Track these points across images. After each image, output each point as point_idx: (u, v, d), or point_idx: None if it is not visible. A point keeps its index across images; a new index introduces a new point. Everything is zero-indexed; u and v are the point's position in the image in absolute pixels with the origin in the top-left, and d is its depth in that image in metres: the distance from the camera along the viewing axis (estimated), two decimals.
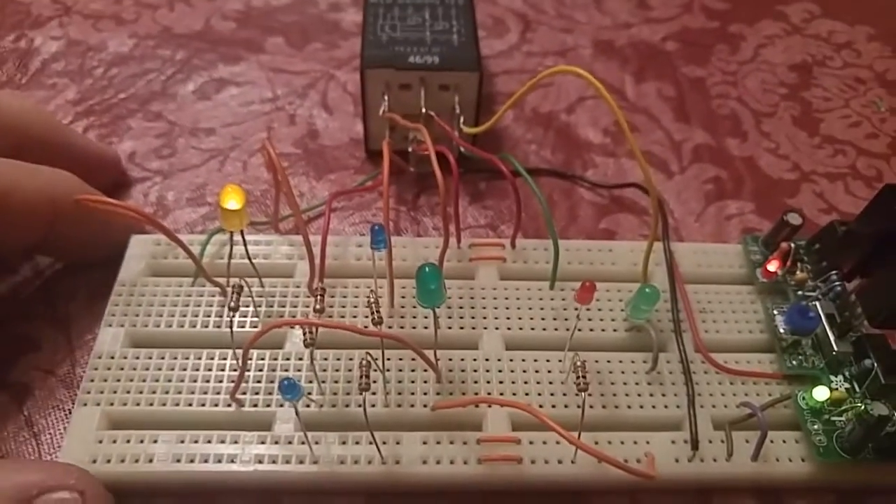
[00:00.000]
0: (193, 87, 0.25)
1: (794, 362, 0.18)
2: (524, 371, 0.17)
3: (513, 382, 0.17)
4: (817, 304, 0.18)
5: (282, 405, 0.16)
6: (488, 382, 0.17)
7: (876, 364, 0.17)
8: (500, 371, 0.17)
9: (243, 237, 0.16)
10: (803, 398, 0.17)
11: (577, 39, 0.28)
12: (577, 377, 0.15)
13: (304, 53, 0.26)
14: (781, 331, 0.18)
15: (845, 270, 0.19)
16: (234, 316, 0.16)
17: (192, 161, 0.22)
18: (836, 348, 0.18)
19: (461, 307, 0.18)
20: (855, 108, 0.26)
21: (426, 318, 0.18)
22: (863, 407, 0.16)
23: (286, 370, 0.17)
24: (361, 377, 0.14)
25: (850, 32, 0.29)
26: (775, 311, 0.19)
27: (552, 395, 0.17)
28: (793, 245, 0.20)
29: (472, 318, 0.18)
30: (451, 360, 0.17)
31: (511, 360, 0.17)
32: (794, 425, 0.17)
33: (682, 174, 0.24)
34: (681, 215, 0.22)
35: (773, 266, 0.19)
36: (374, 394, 0.17)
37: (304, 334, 0.15)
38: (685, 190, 0.23)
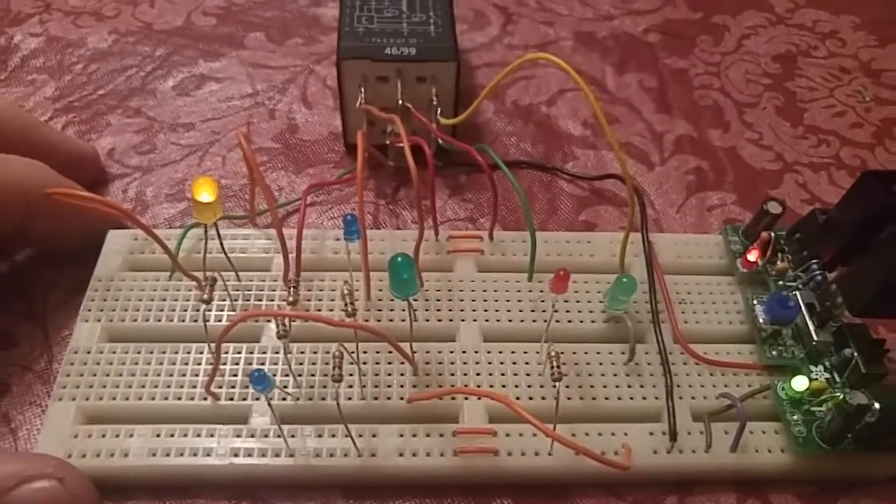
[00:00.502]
0: (173, 82, 0.24)
1: (773, 353, 0.18)
2: (502, 363, 0.17)
3: (490, 374, 0.17)
4: (797, 293, 0.18)
5: (258, 398, 0.16)
6: (465, 375, 0.17)
7: (856, 353, 0.17)
8: (477, 363, 0.17)
9: (217, 230, 0.16)
10: (783, 388, 0.17)
11: (559, 31, 0.28)
12: (552, 367, 0.15)
13: (284, 49, 0.26)
14: (761, 321, 0.18)
15: (826, 259, 0.19)
16: (208, 308, 0.16)
17: (172, 156, 0.22)
18: (815, 338, 0.18)
19: (439, 299, 0.18)
20: (839, 97, 0.26)
21: (403, 310, 0.18)
22: (842, 397, 0.16)
23: (262, 364, 0.17)
24: (334, 368, 0.14)
25: (834, 22, 0.29)
26: (755, 302, 0.19)
27: (529, 386, 0.17)
28: (773, 235, 0.19)
29: (450, 310, 0.18)
30: (428, 352, 0.17)
31: (489, 352, 0.17)
32: (773, 416, 0.17)
33: (663, 165, 0.24)
34: (661, 207, 0.22)
35: (753, 256, 0.19)
36: (350, 387, 0.16)
37: (278, 326, 0.15)
38: (666, 181, 0.23)
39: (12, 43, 0.25)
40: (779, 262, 0.19)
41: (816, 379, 0.17)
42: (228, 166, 0.22)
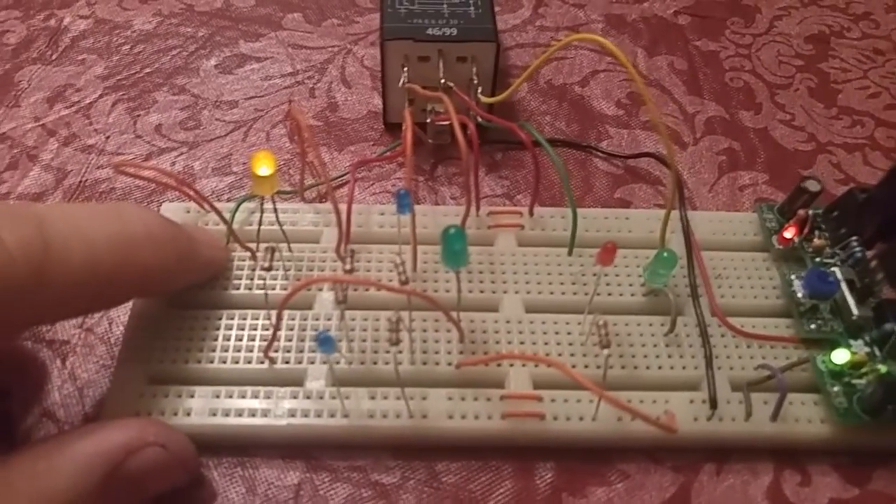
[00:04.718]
0: (216, 62, 0.25)
1: (812, 326, 0.18)
2: (544, 333, 0.18)
3: (533, 343, 0.18)
4: (836, 269, 0.19)
5: (312, 362, 0.17)
6: (510, 343, 0.18)
7: None
8: (520, 332, 0.18)
9: (274, 202, 0.17)
10: (822, 361, 0.17)
11: (589, 14, 0.28)
12: (601, 335, 0.16)
13: (321, 29, 0.27)
14: (800, 295, 0.18)
15: (866, 236, 0.19)
16: (267, 276, 0.16)
17: (217, 132, 0.23)
18: (855, 313, 0.18)
19: (481, 272, 0.19)
20: (874, 78, 0.26)
21: (447, 282, 0.19)
22: (884, 369, 0.16)
23: (315, 330, 0.17)
24: (391, 332, 0.15)
25: (867, 3, 0.29)
26: (793, 277, 0.19)
27: (572, 355, 0.17)
28: (811, 212, 0.20)
29: (493, 282, 0.19)
30: (472, 321, 0.18)
31: (531, 323, 0.18)
32: (810, 388, 0.17)
33: (695, 145, 0.24)
34: (694, 186, 0.23)
35: (789, 233, 0.20)
36: (400, 352, 0.17)
37: (337, 293, 0.15)
38: (698, 161, 0.23)
39: (62, 24, 0.26)
40: (815, 240, 0.20)
41: (856, 353, 0.17)
42: (272, 142, 0.23)
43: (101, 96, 0.24)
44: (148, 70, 0.25)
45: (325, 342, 0.14)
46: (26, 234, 0.12)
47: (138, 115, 0.23)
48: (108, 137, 0.23)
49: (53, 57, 0.25)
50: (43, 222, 0.13)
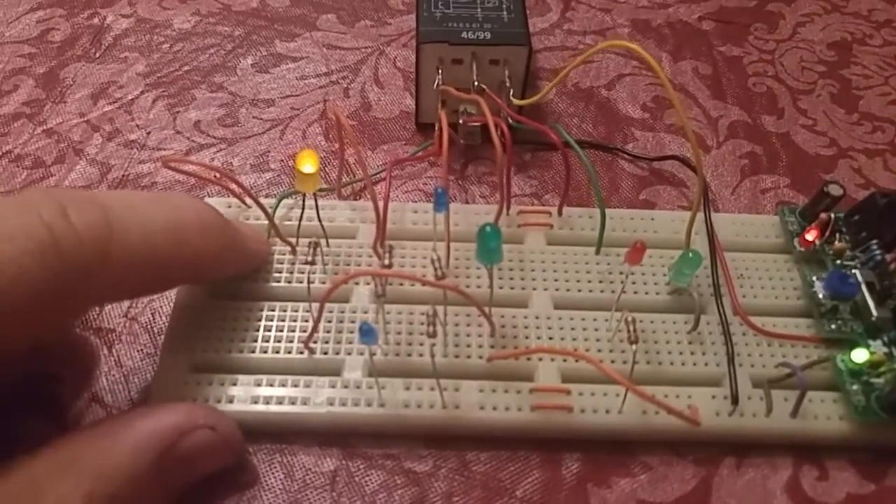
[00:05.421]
0: (252, 60, 0.26)
1: (832, 326, 0.19)
2: (572, 329, 0.18)
3: (562, 339, 0.18)
4: (856, 272, 0.19)
5: (350, 353, 0.17)
6: (539, 338, 0.18)
7: None
8: (549, 328, 0.18)
9: (315, 199, 0.17)
10: (842, 360, 0.18)
11: (616, 18, 0.28)
12: (629, 331, 0.16)
13: (355, 30, 0.27)
14: (821, 296, 0.19)
15: (886, 240, 0.19)
16: (302, 270, 0.17)
17: (255, 130, 0.24)
18: (875, 314, 0.18)
19: (511, 269, 0.19)
20: (895, 85, 0.26)
21: (479, 278, 0.19)
22: None
23: (352, 322, 0.18)
24: (428, 325, 0.16)
25: (890, 10, 0.29)
26: (814, 278, 0.19)
27: (599, 351, 0.18)
28: (832, 216, 0.20)
29: (522, 279, 0.19)
30: (503, 317, 0.18)
31: (560, 319, 0.19)
32: (831, 386, 0.18)
33: (718, 149, 0.24)
34: (717, 188, 0.23)
35: (811, 235, 0.20)
36: (433, 345, 0.18)
37: (376, 286, 0.16)
38: (721, 164, 0.24)
39: (105, 23, 0.27)
40: (836, 243, 0.20)
41: (875, 353, 0.18)
42: (309, 139, 0.24)
43: (142, 93, 0.25)
44: (187, 68, 0.25)
45: (367, 333, 0.14)
46: (93, 217, 0.13)
47: (178, 112, 0.24)
48: (149, 133, 0.23)
49: (97, 55, 0.26)
50: (106, 207, 0.14)
